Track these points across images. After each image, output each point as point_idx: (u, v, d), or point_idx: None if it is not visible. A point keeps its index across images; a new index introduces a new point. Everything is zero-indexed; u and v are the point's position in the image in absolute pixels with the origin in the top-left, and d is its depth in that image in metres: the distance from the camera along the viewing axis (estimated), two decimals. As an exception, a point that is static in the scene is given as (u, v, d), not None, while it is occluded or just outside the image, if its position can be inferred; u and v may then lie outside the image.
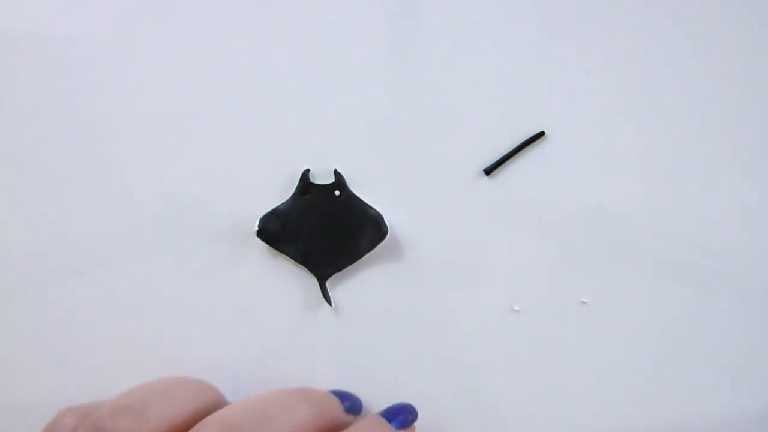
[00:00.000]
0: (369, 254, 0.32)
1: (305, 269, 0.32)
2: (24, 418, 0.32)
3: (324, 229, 0.32)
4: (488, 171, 0.33)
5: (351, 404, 0.29)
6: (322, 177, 0.33)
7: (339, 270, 0.32)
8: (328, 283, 0.32)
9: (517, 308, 0.33)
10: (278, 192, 0.33)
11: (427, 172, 0.33)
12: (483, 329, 0.33)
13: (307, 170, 0.33)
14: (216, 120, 0.33)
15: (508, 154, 0.34)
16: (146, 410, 0.24)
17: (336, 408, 0.29)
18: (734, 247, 0.34)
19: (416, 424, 0.31)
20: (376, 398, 0.32)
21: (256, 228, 0.32)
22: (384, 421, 0.29)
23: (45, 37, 0.33)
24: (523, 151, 0.34)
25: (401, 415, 0.30)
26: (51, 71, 0.33)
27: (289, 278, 0.33)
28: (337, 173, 0.33)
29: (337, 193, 0.33)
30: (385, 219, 0.32)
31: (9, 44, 0.33)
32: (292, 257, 0.32)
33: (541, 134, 0.34)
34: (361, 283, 0.33)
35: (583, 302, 0.33)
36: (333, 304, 0.32)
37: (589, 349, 0.33)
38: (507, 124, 0.34)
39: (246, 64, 0.33)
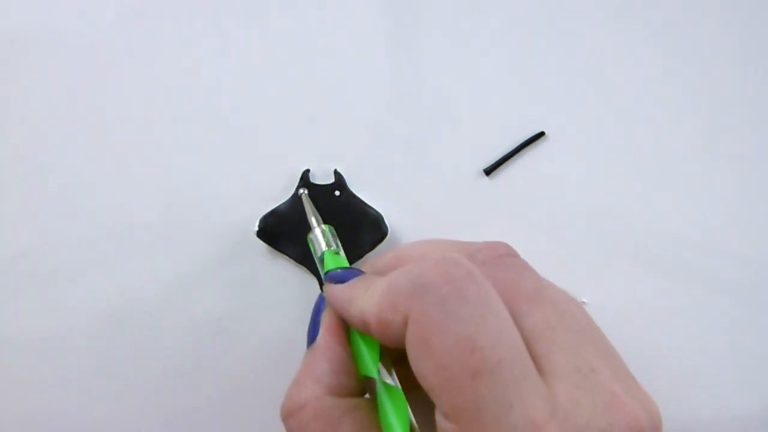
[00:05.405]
0: (369, 254, 0.32)
1: (305, 269, 0.32)
2: (21, 419, 0.32)
3: (324, 229, 0.32)
4: (488, 171, 0.33)
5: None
6: (322, 177, 0.33)
7: (339, 270, 0.32)
8: (328, 283, 0.32)
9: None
10: (278, 192, 0.33)
11: (427, 172, 0.33)
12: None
13: (307, 170, 0.33)
14: (216, 120, 0.33)
15: (508, 154, 0.34)
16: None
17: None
18: (734, 246, 0.34)
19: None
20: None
21: (256, 228, 0.32)
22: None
23: (45, 36, 0.33)
24: (523, 151, 0.34)
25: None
26: (50, 70, 0.33)
27: (289, 278, 0.32)
28: (337, 173, 0.33)
29: (337, 193, 0.33)
30: (385, 219, 0.32)
31: (9, 43, 0.33)
32: (292, 257, 0.32)
33: (541, 134, 0.34)
34: (361, 283, 0.33)
35: (583, 302, 0.33)
36: (333, 304, 0.32)
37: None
38: (507, 124, 0.34)
39: (247, 65, 0.33)
